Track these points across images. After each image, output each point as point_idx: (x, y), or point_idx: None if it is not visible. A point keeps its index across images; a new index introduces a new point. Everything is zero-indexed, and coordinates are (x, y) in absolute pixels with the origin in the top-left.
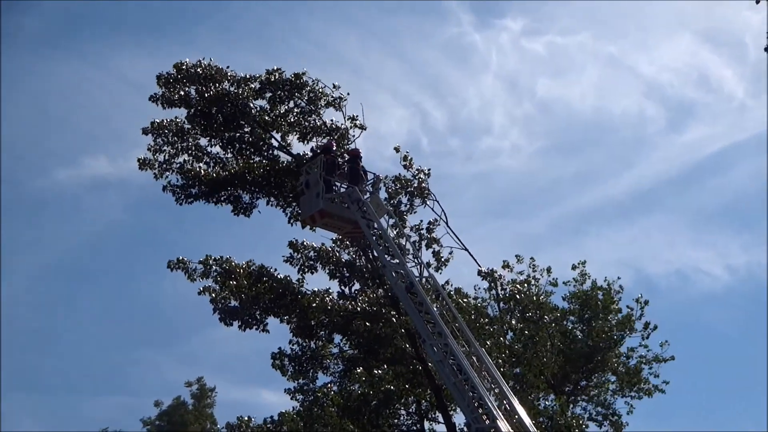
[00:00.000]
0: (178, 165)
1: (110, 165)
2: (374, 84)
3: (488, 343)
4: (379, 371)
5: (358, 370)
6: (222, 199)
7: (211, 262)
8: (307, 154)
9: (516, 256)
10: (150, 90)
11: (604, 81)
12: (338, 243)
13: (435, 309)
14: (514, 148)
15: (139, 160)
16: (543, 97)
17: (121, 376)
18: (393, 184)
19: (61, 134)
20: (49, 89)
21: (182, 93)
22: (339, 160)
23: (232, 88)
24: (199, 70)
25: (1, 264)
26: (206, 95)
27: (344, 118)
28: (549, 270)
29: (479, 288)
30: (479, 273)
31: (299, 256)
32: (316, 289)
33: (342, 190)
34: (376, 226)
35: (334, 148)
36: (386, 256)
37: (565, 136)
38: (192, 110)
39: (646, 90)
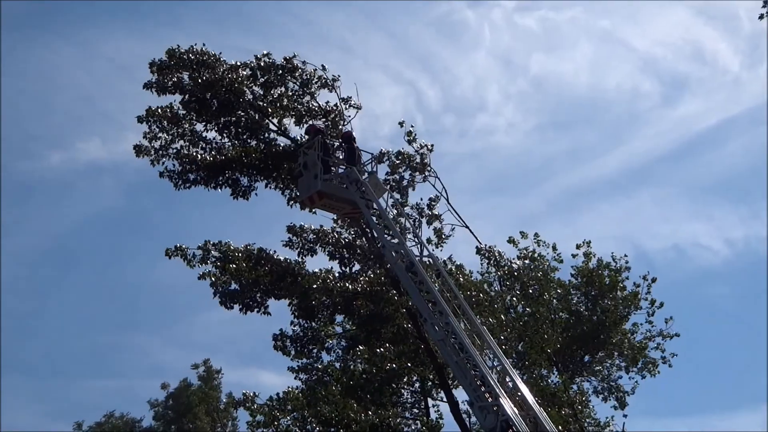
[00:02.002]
0: (175, 151)
1: (103, 149)
2: (364, 62)
3: (490, 320)
4: (382, 350)
5: (360, 349)
6: (220, 183)
7: (209, 247)
8: (304, 137)
9: (521, 232)
10: (138, 72)
11: (597, 56)
12: (337, 224)
13: (436, 288)
14: (509, 125)
15: (135, 147)
16: (537, 73)
17: (113, 359)
18: (395, 159)
19: (52, 118)
20: (36, 72)
21: (176, 79)
22: (331, 141)
23: (226, 74)
24: (191, 55)
25: None
26: (200, 81)
27: (338, 98)
28: (555, 247)
29: (481, 265)
30: (478, 250)
31: (298, 239)
32: (317, 270)
33: (340, 170)
34: (374, 206)
35: (322, 128)
36: (385, 235)
37: (559, 112)
38: (186, 96)
39: (640, 65)
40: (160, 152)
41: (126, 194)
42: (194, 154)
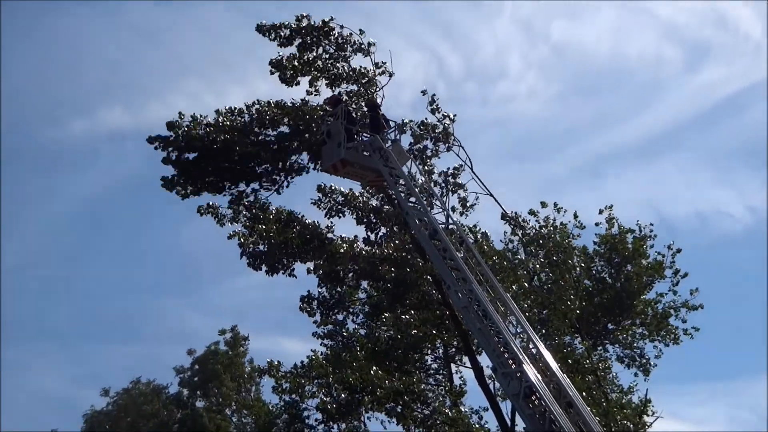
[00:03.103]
0: (206, 122)
1: (126, 115)
2: (386, 29)
3: (513, 287)
4: (406, 317)
5: (386, 316)
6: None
7: (240, 207)
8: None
9: (541, 202)
10: (163, 36)
11: (620, 22)
12: (365, 189)
13: (459, 255)
14: (531, 92)
15: (167, 123)
16: (558, 40)
17: (140, 325)
18: (418, 129)
19: (75, 84)
20: (58, 38)
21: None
22: (353, 107)
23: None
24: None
25: (17, 213)
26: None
27: (372, 64)
28: (576, 215)
29: (505, 233)
30: (503, 216)
31: (327, 200)
32: (343, 236)
33: (363, 139)
34: (398, 173)
35: (344, 99)
36: (409, 203)
37: (581, 79)
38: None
39: (662, 31)
40: (192, 124)
41: (150, 161)
42: (222, 122)
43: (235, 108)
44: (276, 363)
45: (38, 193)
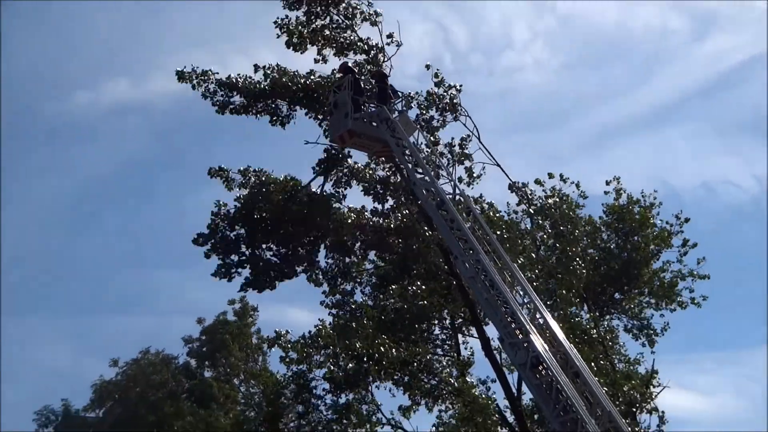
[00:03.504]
0: (216, 77)
1: (131, 89)
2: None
3: (520, 258)
4: (413, 288)
5: (393, 288)
6: (260, 109)
7: (250, 173)
8: (337, 74)
9: (548, 173)
10: (165, 13)
11: None
12: (372, 160)
13: (467, 225)
14: (537, 64)
15: (177, 72)
16: (564, 11)
17: (147, 296)
18: (425, 101)
19: (78, 57)
20: (60, 11)
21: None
22: (362, 78)
23: None
24: None
25: (21, 187)
26: None
27: (380, 34)
28: (578, 185)
29: (508, 204)
30: (510, 186)
31: (335, 171)
32: (351, 206)
33: (371, 109)
34: (405, 144)
35: (356, 68)
36: (416, 173)
37: (587, 49)
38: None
39: (668, 1)
40: (202, 78)
41: (154, 134)
42: (236, 80)
43: None
44: (284, 332)
45: (42, 165)
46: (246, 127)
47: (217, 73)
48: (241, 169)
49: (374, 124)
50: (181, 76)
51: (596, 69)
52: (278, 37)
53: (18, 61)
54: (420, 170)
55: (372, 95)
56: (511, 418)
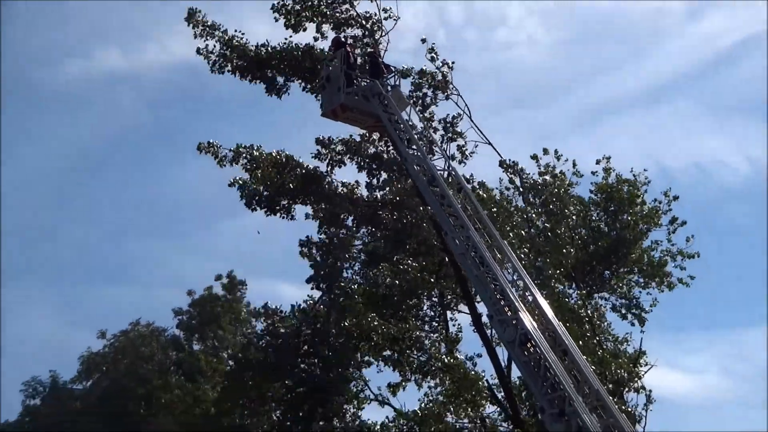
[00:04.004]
0: (222, 33)
1: (123, 58)
2: None
3: (510, 235)
4: (404, 265)
5: (383, 265)
6: (257, 76)
7: (241, 149)
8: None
9: (543, 149)
10: None
11: None
12: (366, 136)
13: (457, 202)
14: (531, 40)
15: (189, 10)
16: None
17: (135, 268)
18: (417, 77)
19: (71, 26)
20: None
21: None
22: (354, 52)
23: None
24: None
25: (11, 156)
26: None
27: (378, 9)
28: (574, 163)
29: (500, 180)
30: (501, 163)
31: (327, 152)
32: (344, 181)
33: (363, 84)
34: (397, 119)
35: (349, 42)
36: (408, 149)
37: (582, 27)
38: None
39: None
40: (209, 29)
41: (147, 104)
42: (242, 41)
43: None
44: (274, 307)
45: (32, 135)
46: (238, 99)
47: (225, 29)
48: (232, 148)
49: (367, 98)
50: (191, 16)
51: (590, 47)
52: (276, 21)
53: (9, 27)
54: (412, 146)
55: (364, 69)
56: (500, 395)
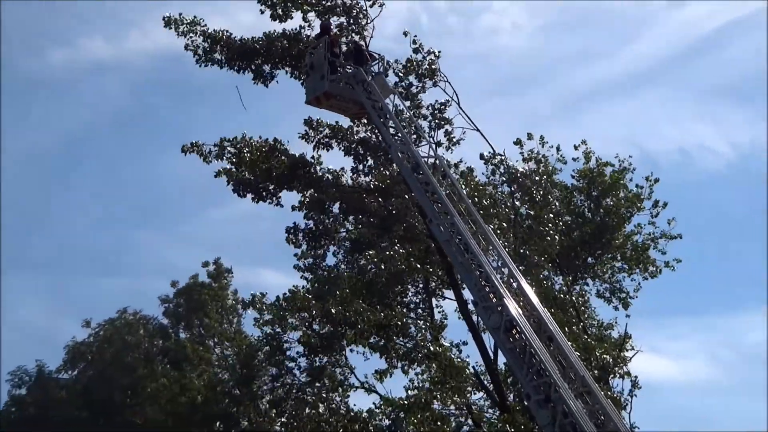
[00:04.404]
0: (203, 28)
1: (108, 46)
2: None
3: (495, 221)
4: (390, 252)
5: (369, 253)
6: (243, 66)
7: (225, 144)
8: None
9: (528, 134)
10: None
11: None
12: (354, 122)
13: (442, 189)
14: (515, 26)
15: (164, 18)
16: None
17: (120, 257)
18: (403, 68)
19: (55, 14)
20: None
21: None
22: (340, 39)
23: None
24: None
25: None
26: None
27: None
28: (558, 148)
29: (486, 167)
30: (481, 156)
31: (314, 133)
32: (330, 167)
33: (347, 71)
34: (381, 106)
35: (333, 27)
36: (392, 136)
37: (565, 13)
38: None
39: None
40: (189, 26)
41: (131, 93)
42: (221, 33)
43: None
44: (260, 294)
45: (17, 123)
46: (224, 85)
47: (206, 24)
48: (216, 142)
49: (351, 86)
50: (168, 22)
51: (574, 33)
52: (262, 13)
53: None
54: (396, 133)
55: (348, 56)
56: (486, 382)
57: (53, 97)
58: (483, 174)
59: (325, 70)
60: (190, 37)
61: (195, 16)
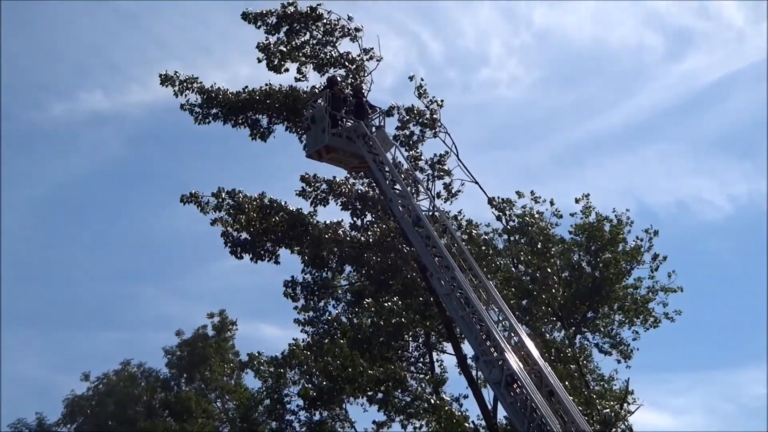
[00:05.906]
0: (199, 85)
1: (106, 99)
2: (367, 13)
3: (497, 275)
4: (389, 303)
5: (367, 302)
6: (240, 121)
7: (223, 195)
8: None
9: (517, 192)
10: (144, 20)
11: (601, 9)
12: (351, 175)
13: (442, 242)
14: (512, 79)
15: (160, 75)
16: (540, 26)
17: (119, 311)
18: (405, 114)
19: (55, 67)
20: (38, 20)
21: None
22: (344, 92)
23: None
24: None
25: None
26: None
27: (360, 49)
28: (552, 202)
29: (488, 222)
30: (489, 201)
31: (311, 189)
32: (327, 221)
33: (348, 124)
34: (382, 159)
35: (339, 80)
36: (393, 189)
37: (563, 65)
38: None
39: (644, 18)
40: (185, 84)
41: (129, 145)
42: (219, 88)
43: None
44: (257, 354)
45: (16, 176)
46: (221, 142)
47: (201, 82)
48: (214, 192)
49: (351, 139)
50: (164, 80)
51: (572, 86)
52: (260, 61)
53: None
54: (397, 186)
55: (349, 110)
56: None
57: (52, 149)
58: (484, 224)
59: (326, 123)
60: (186, 95)
61: (192, 75)
